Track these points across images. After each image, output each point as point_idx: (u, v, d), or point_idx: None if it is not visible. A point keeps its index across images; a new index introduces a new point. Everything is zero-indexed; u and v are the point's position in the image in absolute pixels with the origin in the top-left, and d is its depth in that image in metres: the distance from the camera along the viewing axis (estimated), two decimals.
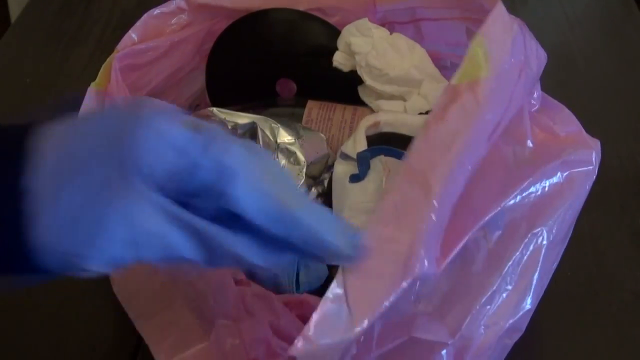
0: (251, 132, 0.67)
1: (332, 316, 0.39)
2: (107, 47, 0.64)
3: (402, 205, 0.43)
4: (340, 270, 0.40)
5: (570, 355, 0.60)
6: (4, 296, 0.65)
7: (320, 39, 0.73)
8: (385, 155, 0.61)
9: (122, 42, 0.65)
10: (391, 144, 0.62)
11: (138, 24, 0.67)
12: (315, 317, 0.38)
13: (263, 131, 0.66)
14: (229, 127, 0.67)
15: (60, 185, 0.27)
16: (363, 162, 0.60)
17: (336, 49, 0.70)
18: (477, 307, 0.49)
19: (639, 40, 0.96)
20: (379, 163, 0.60)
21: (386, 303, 0.40)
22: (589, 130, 0.58)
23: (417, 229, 0.42)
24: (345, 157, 0.62)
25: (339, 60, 0.70)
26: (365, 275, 0.40)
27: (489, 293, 0.49)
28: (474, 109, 0.47)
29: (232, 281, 0.49)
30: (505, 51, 0.50)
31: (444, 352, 0.47)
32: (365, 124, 0.62)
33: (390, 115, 0.63)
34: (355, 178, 0.60)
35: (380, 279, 0.41)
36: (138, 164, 0.27)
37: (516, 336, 0.51)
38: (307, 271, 0.57)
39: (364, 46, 0.68)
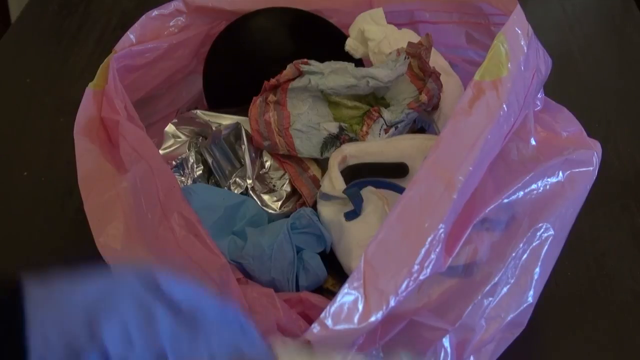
0: (235, 132, 0.68)
1: (349, 305, 0.40)
2: (107, 47, 0.64)
3: (426, 200, 0.44)
4: (360, 263, 0.40)
5: (571, 354, 0.60)
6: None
7: (318, 40, 0.73)
8: (373, 187, 0.60)
9: (120, 42, 0.64)
10: (362, 174, 0.62)
11: (136, 25, 0.66)
12: (332, 303, 0.39)
13: (247, 131, 0.67)
14: (213, 128, 0.68)
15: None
16: (356, 198, 0.58)
17: (329, 52, 0.71)
18: (479, 298, 0.49)
19: (639, 40, 0.96)
20: (371, 195, 0.59)
21: (400, 297, 0.41)
22: (589, 130, 0.59)
23: (436, 227, 0.43)
24: (327, 197, 0.60)
25: (352, 46, 0.71)
26: (384, 269, 0.41)
27: (491, 285, 0.50)
28: (497, 108, 0.47)
29: (234, 279, 0.50)
30: (523, 53, 0.51)
31: (445, 339, 0.48)
32: (335, 162, 0.62)
33: (352, 147, 0.63)
34: (351, 215, 0.58)
35: (397, 274, 0.42)
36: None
37: (517, 330, 0.51)
38: (306, 275, 0.57)
39: (378, 34, 0.69)
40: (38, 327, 0.34)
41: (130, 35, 0.65)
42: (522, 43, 0.52)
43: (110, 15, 1.01)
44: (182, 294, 0.36)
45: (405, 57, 0.64)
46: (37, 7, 1.04)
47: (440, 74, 0.64)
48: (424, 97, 0.63)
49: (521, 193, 0.52)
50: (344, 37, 0.72)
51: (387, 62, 0.65)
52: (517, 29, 0.52)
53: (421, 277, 0.42)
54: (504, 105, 0.48)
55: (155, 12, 0.68)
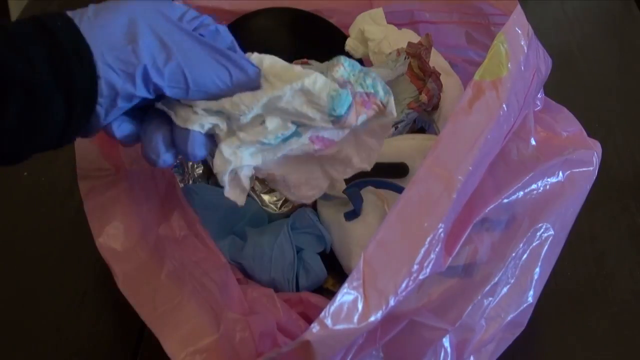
0: None
1: (348, 304, 0.40)
2: None
3: (425, 200, 0.44)
4: (360, 262, 0.41)
5: (571, 354, 0.60)
6: (5, 298, 0.65)
7: (318, 40, 0.73)
8: (373, 187, 0.60)
9: None
10: (362, 174, 0.62)
11: None
12: (332, 303, 0.39)
13: None
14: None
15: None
16: (355, 198, 0.58)
17: (329, 52, 0.71)
18: (479, 298, 0.49)
19: (639, 40, 0.96)
20: (371, 195, 0.59)
21: (400, 296, 0.41)
22: (589, 130, 0.59)
23: (436, 227, 0.43)
24: (327, 197, 0.60)
25: (352, 46, 0.71)
26: (383, 269, 0.41)
27: (491, 285, 0.50)
28: (496, 108, 0.48)
29: (234, 279, 0.50)
30: (523, 53, 0.51)
31: (445, 339, 0.48)
32: None
33: None
34: (351, 215, 0.59)
35: (397, 274, 0.42)
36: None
37: (517, 330, 0.51)
38: (307, 275, 0.57)
39: (378, 34, 0.69)
40: (96, 47, 0.38)
41: None
42: (522, 43, 0.52)
43: None
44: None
45: (405, 57, 0.64)
46: (37, 7, 1.03)
47: (440, 74, 0.64)
48: (424, 97, 0.63)
49: (521, 193, 0.52)
50: (344, 37, 0.72)
51: (387, 62, 0.65)
52: (517, 29, 0.52)
53: (421, 277, 0.42)
54: (504, 105, 0.48)
55: None
